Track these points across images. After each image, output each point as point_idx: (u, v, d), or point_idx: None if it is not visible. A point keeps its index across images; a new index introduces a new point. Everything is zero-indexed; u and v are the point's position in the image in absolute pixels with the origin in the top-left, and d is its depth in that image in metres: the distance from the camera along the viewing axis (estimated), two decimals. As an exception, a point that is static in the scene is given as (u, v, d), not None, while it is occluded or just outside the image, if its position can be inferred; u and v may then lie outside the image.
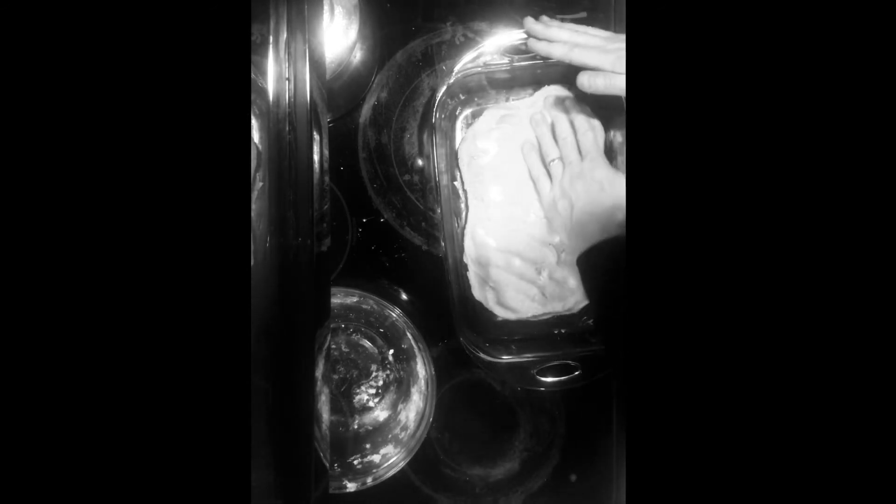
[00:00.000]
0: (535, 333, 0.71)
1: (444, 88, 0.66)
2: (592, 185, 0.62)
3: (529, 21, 0.62)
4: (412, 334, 0.68)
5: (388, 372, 0.72)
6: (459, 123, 0.71)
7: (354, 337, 0.72)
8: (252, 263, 0.47)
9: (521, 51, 0.65)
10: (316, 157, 0.49)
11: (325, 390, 0.51)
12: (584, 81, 0.55)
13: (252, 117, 0.49)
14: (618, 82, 0.54)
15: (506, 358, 0.67)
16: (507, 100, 0.71)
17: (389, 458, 0.68)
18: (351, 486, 0.66)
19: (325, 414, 0.51)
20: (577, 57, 0.57)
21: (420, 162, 0.72)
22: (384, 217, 0.72)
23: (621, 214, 0.59)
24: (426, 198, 0.72)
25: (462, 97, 0.71)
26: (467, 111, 0.71)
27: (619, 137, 0.68)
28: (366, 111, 0.72)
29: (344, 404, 0.72)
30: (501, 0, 0.72)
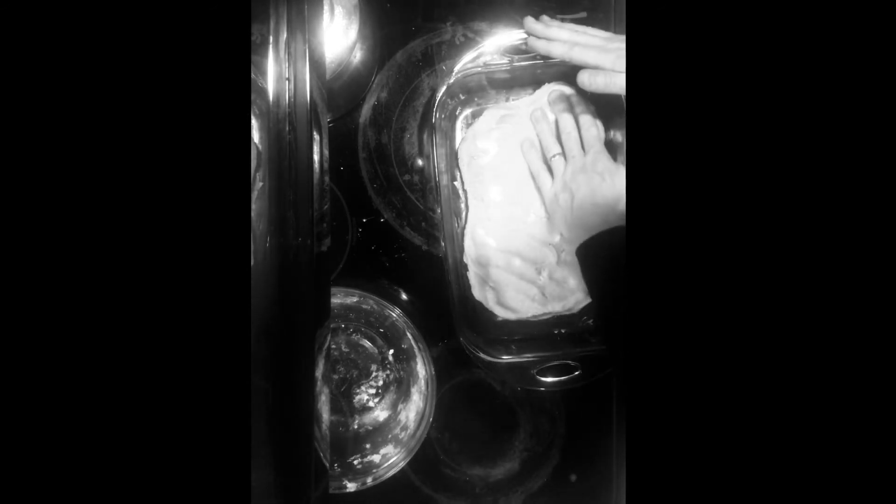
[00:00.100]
0: (535, 333, 0.71)
1: (444, 88, 0.66)
2: (594, 176, 0.62)
3: (529, 21, 0.62)
4: (412, 334, 0.68)
5: (388, 372, 0.72)
6: (459, 123, 0.71)
7: (354, 337, 0.72)
8: (252, 263, 0.47)
9: (521, 51, 0.65)
10: (316, 157, 0.49)
11: (325, 390, 0.51)
12: (585, 79, 0.55)
13: (252, 117, 0.49)
14: (618, 81, 0.54)
15: (506, 358, 0.67)
16: (507, 100, 0.71)
17: (389, 458, 0.68)
18: (351, 486, 0.66)
19: (325, 414, 0.51)
20: (577, 55, 0.57)
21: (420, 162, 0.72)
22: (384, 217, 0.72)
23: (622, 206, 0.59)
24: (426, 198, 0.72)
25: (462, 97, 0.71)
26: (467, 111, 0.71)
27: (619, 137, 0.68)
28: (366, 111, 0.72)
29: (344, 404, 0.72)
30: (501, 0, 0.72)
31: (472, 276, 0.70)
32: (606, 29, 0.62)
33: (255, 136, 0.51)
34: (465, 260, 0.70)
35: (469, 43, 0.71)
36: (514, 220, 0.69)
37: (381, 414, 0.72)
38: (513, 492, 0.74)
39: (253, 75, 0.45)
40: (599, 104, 0.68)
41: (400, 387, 0.72)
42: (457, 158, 0.70)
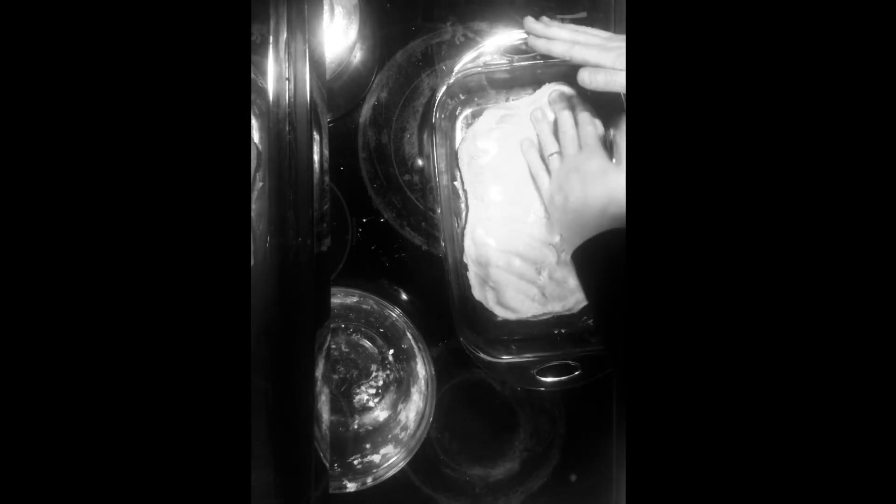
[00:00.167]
0: (535, 333, 0.71)
1: (444, 88, 0.67)
2: (586, 176, 0.62)
3: (529, 20, 0.62)
4: (412, 334, 0.68)
5: (388, 372, 0.72)
6: (459, 123, 0.71)
7: (354, 337, 0.72)
8: (252, 263, 0.47)
9: (521, 51, 0.65)
10: (316, 157, 0.49)
11: (325, 390, 0.51)
12: (585, 78, 0.55)
13: (252, 117, 0.49)
14: (618, 79, 0.54)
15: (506, 358, 0.67)
16: (507, 100, 0.71)
17: (389, 458, 0.68)
18: (351, 486, 0.66)
19: (325, 414, 0.51)
20: (577, 54, 0.57)
21: (420, 162, 0.72)
22: (384, 217, 0.72)
23: (614, 207, 0.59)
24: (426, 198, 0.72)
25: (462, 97, 0.71)
26: (467, 111, 0.71)
27: (618, 136, 0.68)
28: (366, 111, 0.72)
29: (344, 404, 0.72)
30: (501, 0, 0.72)
31: (472, 276, 0.70)
32: (606, 29, 0.62)
33: (255, 136, 0.51)
34: (465, 260, 0.70)
35: (469, 43, 0.71)
36: (514, 220, 0.69)
37: (381, 414, 0.72)
38: (513, 492, 0.74)
39: (253, 75, 0.45)
40: (599, 104, 0.68)
41: (400, 387, 0.72)
42: (457, 158, 0.70)
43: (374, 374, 0.72)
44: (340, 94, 0.71)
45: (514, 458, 0.74)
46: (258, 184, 0.50)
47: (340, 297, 0.68)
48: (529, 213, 0.69)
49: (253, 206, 0.48)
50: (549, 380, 0.67)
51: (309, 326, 0.48)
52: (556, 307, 0.69)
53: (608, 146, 0.67)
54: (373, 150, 0.72)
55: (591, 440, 0.74)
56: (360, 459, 0.68)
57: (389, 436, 0.70)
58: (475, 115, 0.70)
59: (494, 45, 0.66)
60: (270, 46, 0.47)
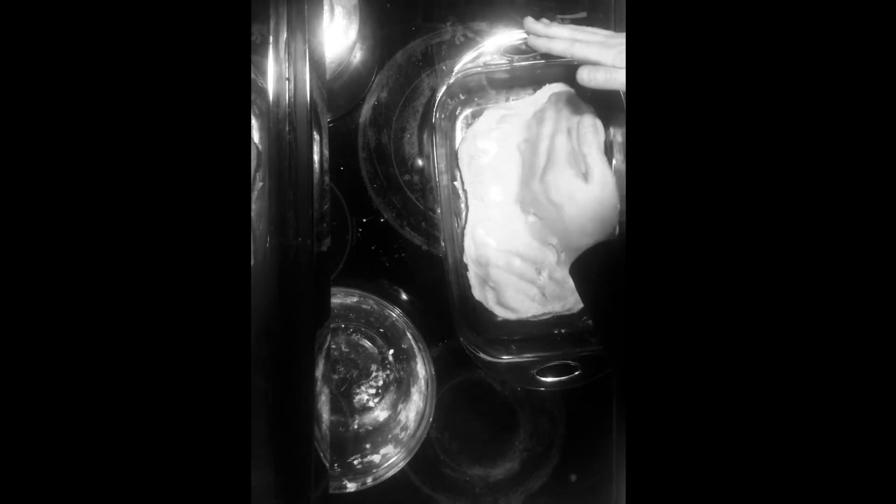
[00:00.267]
0: (535, 333, 0.71)
1: (444, 88, 0.66)
2: (558, 200, 0.60)
3: (529, 20, 0.62)
4: (412, 334, 0.68)
5: (388, 372, 0.72)
6: (459, 123, 0.71)
7: (354, 337, 0.72)
8: (252, 263, 0.47)
9: (521, 51, 0.65)
10: (316, 157, 0.49)
11: (325, 390, 0.51)
12: (585, 76, 0.55)
13: (252, 117, 0.49)
14: (618, 77, 0.54)
15: (506, 358, 0.67)
16: (507, 100, 0.71)
17: (389, 458, 0.68)
18: (351, 486, 0.66)
19: (325, 414, 0.51)
20: (577, 52, 0.57)
21: (420, 162, 0.72)
22: (384, 217, 0.72)
23: (591, 224, 0.58)
24: (426, 198, 0.72)
25: (462, 97, 0.71)
26: (467, 111, 0.71)
27: (619, 137, 0.68)
28: (366, 111, 0.72)
29: (344, 404, 0.72)
30: (501, 0, 0.72)
31: (472, 276, 0.70)
32: (606, 29, 0.62)
33: (255, 136, 0.51)
34: (465, 260, 0.70)
35: (469, 43, 0.71)
36: (514, 219, 0.69)
37: (381, 414, 0.72)
38: (513, 492, 0.74)
39: (253, 75, 0.45)
40: (599, 105, 0.68)
41: (400, 387, 0.72)
42: (457, 158, 0.70)
43: (374, 374, 0.72)
44: (340, 94, 0.71)
45: (514, 458, 0.74)
46: (258, 184, 0.50)
47: (340, 297, 0.68)
48: (529, 213, 0.69)
49: (253, 206, 0.48)
50: (549, 380, 0.67)
51: (309, 326, 0.48)
52: (556, 307, 0.69)
53: (609, 149, 0.67)
54: (373, 150, 0.72)
55: (591, 440, 0.74)
56: (360, 459, 0.68)
57: (389, 436, 0.70)
58: (475, 115, 0.70)
59: (494, 45, 0.66)
60: (270, 46, 0.47)
